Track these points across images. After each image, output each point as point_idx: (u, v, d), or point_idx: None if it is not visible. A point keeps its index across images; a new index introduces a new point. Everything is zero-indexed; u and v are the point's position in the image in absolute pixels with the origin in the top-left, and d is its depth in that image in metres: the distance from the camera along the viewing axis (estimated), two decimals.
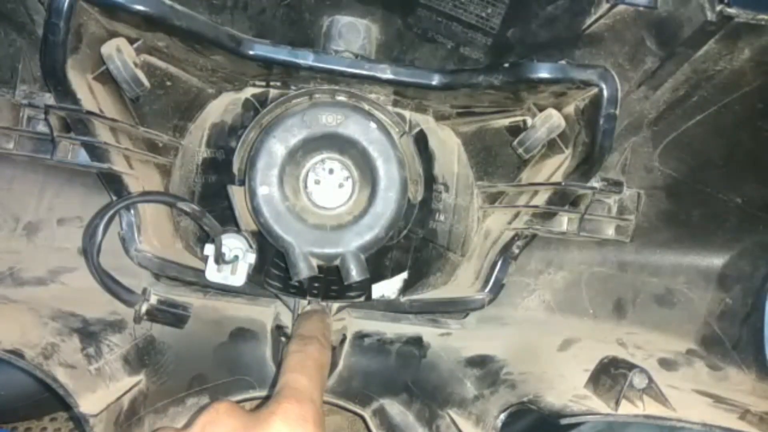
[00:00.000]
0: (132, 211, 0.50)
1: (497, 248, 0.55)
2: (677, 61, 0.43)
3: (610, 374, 0.39)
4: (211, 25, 0.47)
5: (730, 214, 0.51)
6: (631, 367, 0.38)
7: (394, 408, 0.50)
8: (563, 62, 0.46)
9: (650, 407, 0.37)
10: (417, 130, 0.55)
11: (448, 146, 0.57)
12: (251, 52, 0.48)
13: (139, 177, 0.52)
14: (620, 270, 0.55)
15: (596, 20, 0.45)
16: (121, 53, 0.46)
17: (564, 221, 0.52)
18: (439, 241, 0.57)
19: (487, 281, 0.54)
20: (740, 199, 0.50)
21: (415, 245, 0.55)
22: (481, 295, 0.53)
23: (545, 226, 0.52)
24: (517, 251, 0.53)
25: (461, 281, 0.58)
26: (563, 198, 0.50)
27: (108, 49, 0.46)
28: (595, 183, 0.50)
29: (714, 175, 0.50)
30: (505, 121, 0.55)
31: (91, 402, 0.39)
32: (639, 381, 0.37)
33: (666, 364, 0.47)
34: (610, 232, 0.53)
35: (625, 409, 0.37)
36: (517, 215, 0.54)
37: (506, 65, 0.47)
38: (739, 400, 0.41)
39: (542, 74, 0.46)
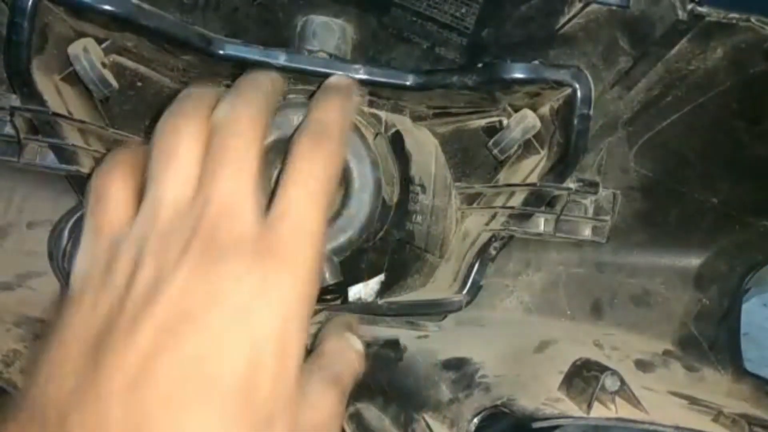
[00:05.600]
0: None
1: (475, 250, 0.54)
2: (650, 61, 0.43)
3: (582, 377, 0.39)
4: (181, 25, 0.46)
5: (707, 214, 0.51)
6: (604, 369, 0.38)
7: (371, 412, 0.50)
8: (536, 62, 0.46)
9: (623, 410, 0.37)
10: (393, 131, 0.55)
11: (426, 147, 0.57)
12: (221, 52, 0.47)
13: None
14: (598, 271, 0.55)
15: (569, 20, 0.45)
16: (88, 53, 0.46)
17: (541, 222, 0.52)
18: (417, 243, 0.56)
19: (464, 283, 0.54)
20: (716, 198, 0.50)
21: (391, 247, 0.55)
22: (459, 297, 0.53)
23: (521, 227, 0.51)
24: (494, 252, 0.53)
25: (440, 283, 0.57)
26: (539, 199, 0.50)
27: (75, 49, 0.46)
28: (571, 184, 0.50)
29: (690, 175, 0.50)
30: (482, 122, 0.54)
31: None
32: (611, 383, 0.37)
33: (642, 365, 0.47)
34: (587, 232, 0.52)
35: (598, 411, 0.37)
36: (494, 216, 0.54)
37: (480, 65, 0.47)
38: (714, 402, 0.41)
39: (515, 74, 0.46)
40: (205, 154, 0.31)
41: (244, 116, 0.32)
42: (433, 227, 0.57)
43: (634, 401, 0.37)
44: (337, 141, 0.33)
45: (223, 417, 0.25)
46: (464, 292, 0.53)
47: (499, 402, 0.40)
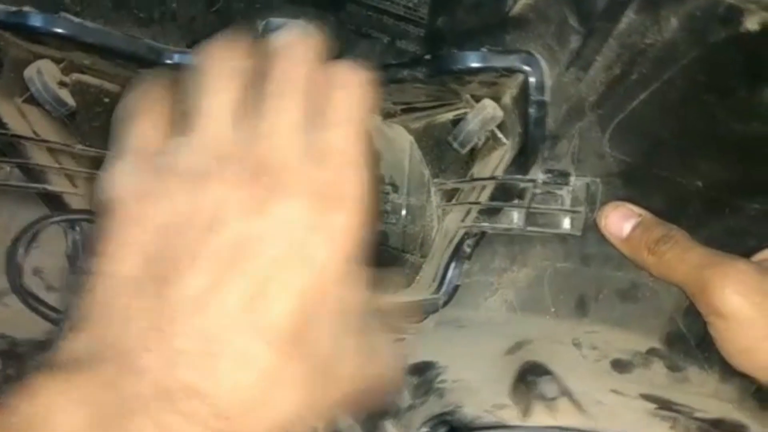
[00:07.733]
0: (77, 230, 0.50)
1: (451, 248, 0.52)
2: (599, 37, 0.40)
3: (526, 381, 0.36)
4: (128, 39, 0.46)
5: (693, 199, 0.47)
6: (545, 374, 0.35)
7: (343, 421, 0.49)
8: (484, 50, 0.43)
9: (566, 416, 0.34)
10: None
11: (398, 144, 0.55)
12: (169, 62, 0.47)
13: (86, 194, 0.52)
14: (583, 264, 0.51)
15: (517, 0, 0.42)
16: (42, 75, 0.47)
17: (514, 216, 0.49)
18: (392, 244, 0.54)
19: (442, 283, 0.52)
20: (701, 182, 0.46)
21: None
22: (435, 298, 0.51)
23: (491, 222, 0.49)
24: (468, 250, 0.51)
25: (423, 283, 0.56)
26: (506, 192, 0.48)
27: (29, 72, 0.47)
28: (541, 174, 0.47)
29: (669, 156, 0.46)
30: (449, 115, 0.52)
31: None
32: (549, 390, 0.34)
33: (620, 366, 0.43)
34: (565, 225, 0.49)
35: (538, 419, 0.34)
36: (468, 212, 0.52)
37: (428, 57, 0.45)
38: (689, 405, 0.38)
39: (462, 64, 0.44)
40: (251, 84, 0.30)
41: (300, 49, 0.31)
42: (409, 227, 0.55)
43: (578, 408, 0.34)
44: (363, 88, 0.32)
45: (277, 354, 0.25)
46: (441, 292, 0.51)
47: (446, 410, 0.38)
